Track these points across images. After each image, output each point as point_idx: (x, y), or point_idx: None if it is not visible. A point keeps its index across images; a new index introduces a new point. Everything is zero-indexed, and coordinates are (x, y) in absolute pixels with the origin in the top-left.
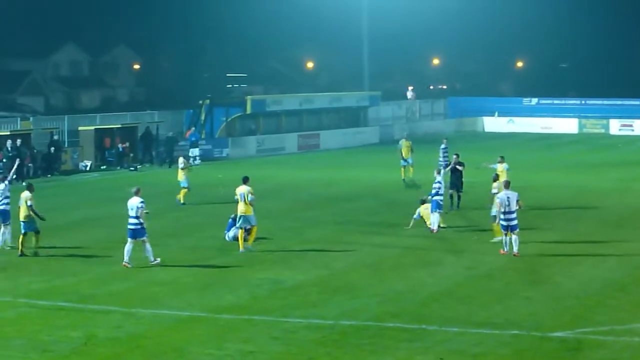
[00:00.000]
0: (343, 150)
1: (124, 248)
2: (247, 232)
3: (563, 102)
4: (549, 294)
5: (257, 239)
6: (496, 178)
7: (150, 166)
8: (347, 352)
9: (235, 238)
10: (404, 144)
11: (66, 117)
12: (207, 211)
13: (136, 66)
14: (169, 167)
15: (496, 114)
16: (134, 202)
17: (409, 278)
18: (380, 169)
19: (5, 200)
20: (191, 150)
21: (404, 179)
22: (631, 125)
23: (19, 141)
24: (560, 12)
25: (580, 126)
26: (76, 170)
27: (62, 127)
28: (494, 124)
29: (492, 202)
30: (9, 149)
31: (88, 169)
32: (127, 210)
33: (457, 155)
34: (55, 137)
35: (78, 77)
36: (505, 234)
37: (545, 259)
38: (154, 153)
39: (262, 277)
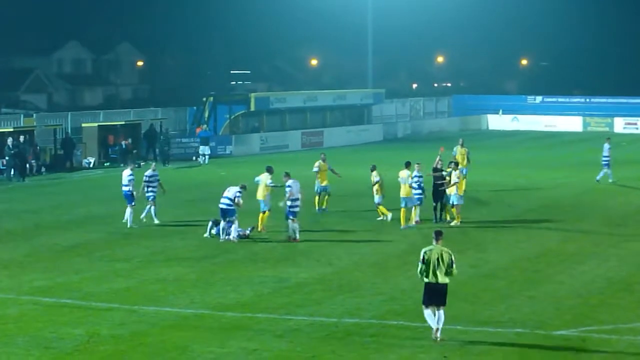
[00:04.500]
0: (347, 148)
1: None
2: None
3: (567, 100)
4: (553, 293)
5: (255, 237)
6: (374, 169)
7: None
8: (351, 350)
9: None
10: (458, 151)
11: (69, 114)
12: (210, 209)
13: (139, 63)
14: (168, 164)
15: (500, 112)
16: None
17: (413, 276)
18: (383, 167)
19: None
20: (202, 147)
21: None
22: (636, 124)
23: (22, 138)
24: (566, 10)
25: (585, 124)
26: (79, 167)
27: (65, 124)
28: (498, 122)
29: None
30: (10, 146)
31: (91, 165)
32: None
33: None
34: (62, 135)
35: (81, 75)
36: (292, 221)
37: (549, 258)
38: (157, 150)
39: (266, 275)
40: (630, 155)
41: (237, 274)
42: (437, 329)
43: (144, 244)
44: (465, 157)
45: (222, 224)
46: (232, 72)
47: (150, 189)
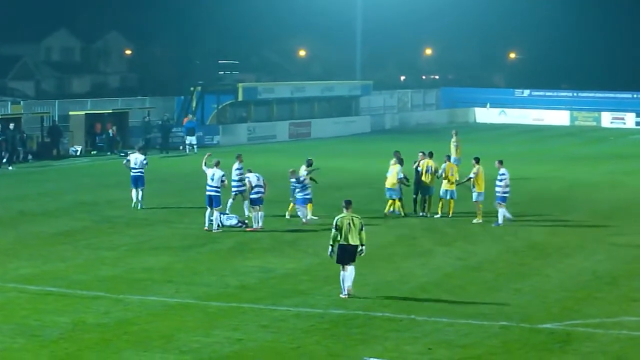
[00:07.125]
0: (334, 139)
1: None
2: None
3: (555, 94)
4: (539, 286)
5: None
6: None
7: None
8: (336, 341)
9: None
10: (452, 142)
11: (57, 101)
12: (197, 198)
13: (128, 52)
14: (147, 153)
15: (488, 105)
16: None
17: (399, 268)
18: (371, 158)
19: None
20: (188, 138)
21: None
22: (623, 118)
23: (12, 125)
24: (554, 4)
25: (572, 118)
26: (66, 155)
27: (52, 112)
28: (485, 115)
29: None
30: None
31: (78, 154)
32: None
33: (423, 153)
34: (49, 123)
35: (69, 63)
36: (257, 210)
37: (536, 251)
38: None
39: (252, 265)
40: (616, 149)
41: (223, 263)
42: (349, 287)
43: (130, 233)
44: (456, 146)
45: (207, 212)
46: (220, 62)
47: (236, 182)
